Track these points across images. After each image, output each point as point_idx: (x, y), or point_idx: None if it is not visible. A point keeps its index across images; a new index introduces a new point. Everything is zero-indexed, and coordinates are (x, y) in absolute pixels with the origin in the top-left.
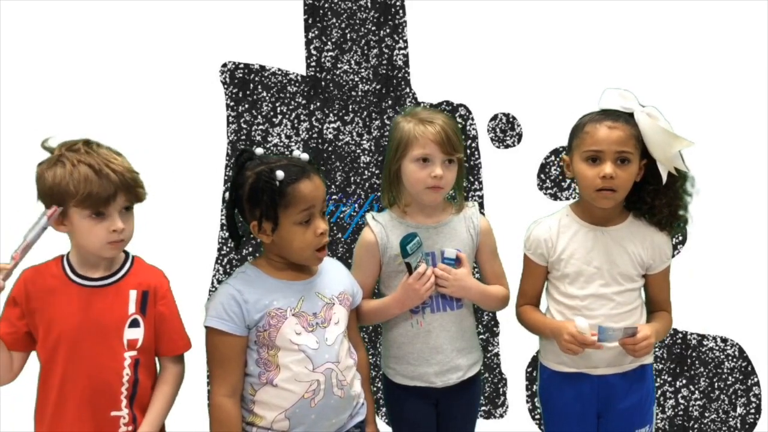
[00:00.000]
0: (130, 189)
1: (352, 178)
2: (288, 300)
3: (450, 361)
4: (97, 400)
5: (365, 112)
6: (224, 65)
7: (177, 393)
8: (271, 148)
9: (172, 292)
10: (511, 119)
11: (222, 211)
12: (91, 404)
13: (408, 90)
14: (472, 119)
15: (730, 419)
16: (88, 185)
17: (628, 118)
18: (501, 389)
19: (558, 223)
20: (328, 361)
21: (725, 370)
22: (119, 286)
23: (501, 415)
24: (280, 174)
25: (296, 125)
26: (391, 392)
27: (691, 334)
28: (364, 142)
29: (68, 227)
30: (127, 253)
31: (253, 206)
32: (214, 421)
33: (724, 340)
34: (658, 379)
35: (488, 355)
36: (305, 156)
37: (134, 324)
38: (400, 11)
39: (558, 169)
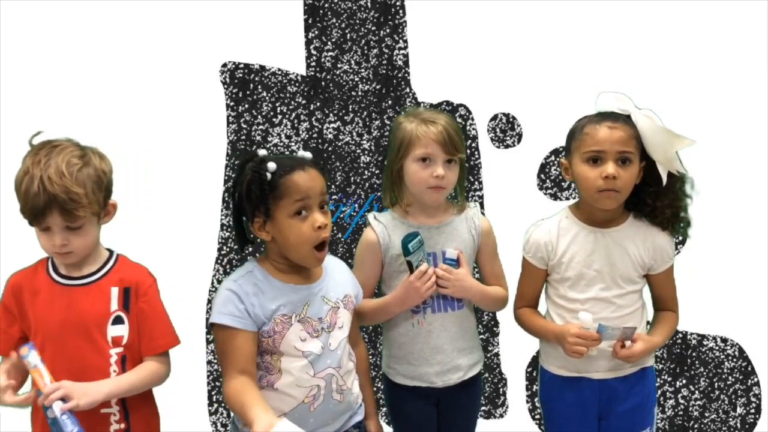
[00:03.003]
0: (63, 209)
1: (352, 178)
2: (293, 306)
3: (451, 361)
4: None
5: (365, 112)
6: (224, 65)
7: (144, 383)
8: (271, 148)
9: (156, 289)
10: (511, 119)
11: (222, 211)
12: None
13: (408, 90)
14: (472, 119)
15: (730, 419)
16: (25, 197)
17: (626, 119)
18: (501, 389)
19: (557, 225)
20: (329, 367)
21: (725, 370)
22: (100, 284)
23: (501, 415)
24: (271, 165)
25: (296, 125)
26: (391, 392)
27: (691, 334)
28: (364, 142)
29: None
30: (111, 252)
31: (250, 203)
32: (232, 404)
33: (724, 340)
34: (658, 379)
35: (488, 355)
36: (308, 155)
37: (118, 321)
38: (400, 11)
39: (558, 169)
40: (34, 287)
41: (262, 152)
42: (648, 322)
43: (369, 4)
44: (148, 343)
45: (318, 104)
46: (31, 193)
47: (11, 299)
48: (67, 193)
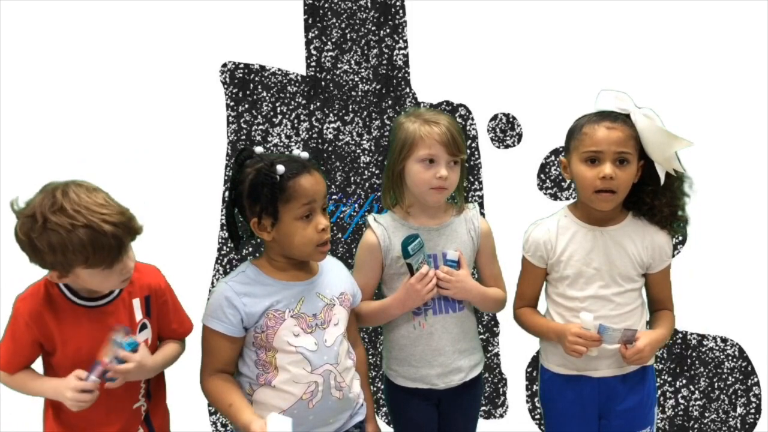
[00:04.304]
0: (131, 231)
1: (352, 178)
2: (287, 301)
3: (452, 363)
4: (122, 398)
5: (365, 112)
6: (224, 65)
7: (172, 359)
8: (271, 148)
9: (170, 287)
10: (511, 119)
11: (222, 211)
12: (116, 403)
13: (408, 90)
14: (472, 119)
15: (730, 419)
16: (95, 249)
17: (625, 119)
18: (501, 389)
19: (556, 224)
20: (326, 363)
21: (725, 370)
22: (123, 298)
23: (501, 415)
24: (280, 168)
25: (296, 125)
26: (393, 394)
27: (691, 334)
28: (364, 142)
29: (73, 278)
30: None
31: (253, 202)
32: (216, 399)
33: (724, 340)
34: (658, 379)
35: (488, 355)
36: (305, 154)
37: (143, 327)
38: (400, 11)
39: (558, 169)
40: (52, 312)
41: (258, 149)
42: (647, 322)
43: (369, 4)
44: (170, 333)
45: (318, 104)
46: (101, 241)
47: (31, 324)
48: (122, 213)
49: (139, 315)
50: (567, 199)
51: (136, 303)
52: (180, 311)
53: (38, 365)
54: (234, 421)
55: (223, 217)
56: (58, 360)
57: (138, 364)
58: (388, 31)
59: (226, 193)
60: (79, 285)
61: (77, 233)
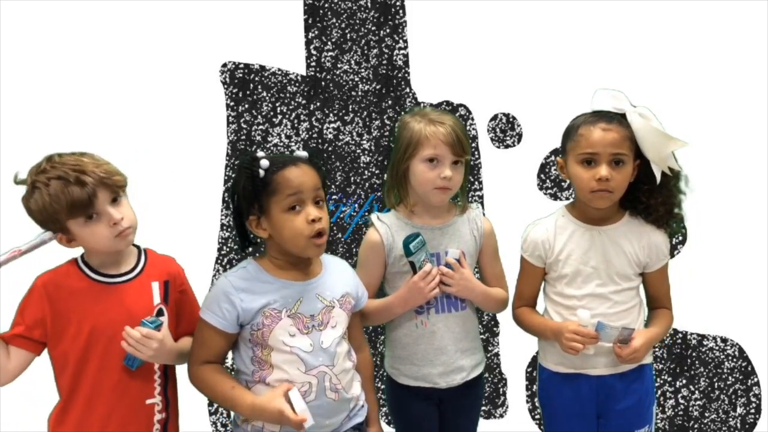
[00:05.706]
0: (106, 182)
1: (352, 178)
2: (284, 301)
3: (454, 362)
4: (132, 390)
5: (365, 112)
6: (224, 65)
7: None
8: (271, 148)
9: (186, 276)
10: (511, 119)
11: (222, 211)
12: (126, 395)
13: (408, 90)
14: (472, 119)
15: (730, 419)
16: (65, 196)
17: (621, 119)
18: (501, 389)
19: (554, 224)
20: (322, 364)
21: (725, 370)
22: (141, 279)
23: (501, 415)
24: (264, 162)
25: (296, 125)
26: (394, 392)
27: (691, 334)
28: (364, 142)
29: (77, 241)
30: (138, 247)
31: (245, 200)
32: (212, 384)
33: (724, 340)
34: (658, 379)
35: (488, 355)
36: (304, 154)
37: (159, 313)
38: (400, 11)
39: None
40: (72, 287)
41: (260, 154)
42: (645, 322)
43: (369, 4)
44: (188, 326)
45: (318, 104)
46: (69, 189)
47: (44, 299)
48: (98, 166)
49: (157, 299)
50: (567, 199)
51: (155, 286)
52: (198, 305)
53: (38, 366)
54: (238, 402)
55: (224, 218)
56: (71, 339)
57: (160, 343)
58: (388, 31)
59: (229, 198)
60: (84, 247)
61: (52, 185)
